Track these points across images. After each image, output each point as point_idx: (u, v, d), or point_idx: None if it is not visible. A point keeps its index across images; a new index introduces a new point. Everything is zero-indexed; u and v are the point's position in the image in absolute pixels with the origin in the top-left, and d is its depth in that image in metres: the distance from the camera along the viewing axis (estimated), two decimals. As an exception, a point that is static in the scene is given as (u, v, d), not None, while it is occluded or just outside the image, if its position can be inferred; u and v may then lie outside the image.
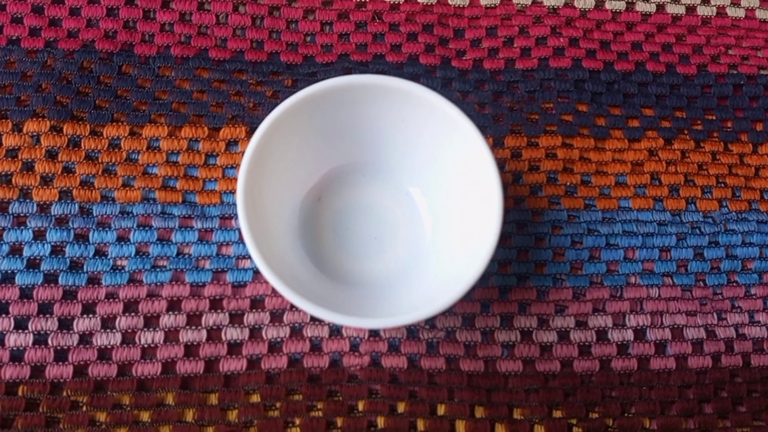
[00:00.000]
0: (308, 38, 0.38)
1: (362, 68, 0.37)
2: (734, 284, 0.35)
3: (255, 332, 0.32)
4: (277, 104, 0.30)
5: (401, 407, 0.32)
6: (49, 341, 0.31)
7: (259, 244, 0.28)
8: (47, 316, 0.32)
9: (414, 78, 0.37)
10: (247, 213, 0.28)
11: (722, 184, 0.37)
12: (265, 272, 0.27)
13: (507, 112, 0.37)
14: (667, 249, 0.35)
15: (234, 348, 0.32)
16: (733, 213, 0.36)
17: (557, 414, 0.32)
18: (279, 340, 0.32)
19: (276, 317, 0.33)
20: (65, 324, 0.32)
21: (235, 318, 0.32)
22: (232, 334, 0.32)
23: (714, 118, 0.38)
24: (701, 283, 0.35)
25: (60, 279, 0.32)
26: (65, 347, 0.31)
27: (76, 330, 0.32)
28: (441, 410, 0.32)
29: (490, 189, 0.29)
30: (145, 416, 0.31)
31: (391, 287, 0.33)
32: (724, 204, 0.37)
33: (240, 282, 0.33)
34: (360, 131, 0.33)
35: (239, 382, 0.31)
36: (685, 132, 0.38)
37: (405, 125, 0.32)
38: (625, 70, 0.39)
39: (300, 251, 0.33)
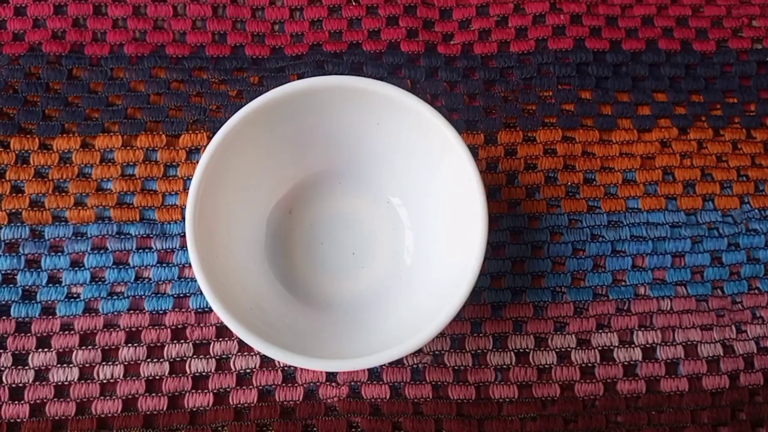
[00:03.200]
0: (276, 27, 0.34)
1: (336, 60, 0.33)
2: (755, 291, 0.32)
3: (222, 363, 0.30)
4: (242, 105, 0.26)
5: (383, 442, 0.29)
6: (3, 378, 0.29)
7: (212, 279, 0.25)
8: (0, 351, 0.29)
9: (395, 68, 0.33)
10: (197, 244, 0.25)
11: (744, 178, 0.33)
12: (219, 311, 0.24)
13: (500, 103, 0.34)
14: (681, 254, 0.32)
15: (199, 381, 0.30)
16: (756, 211, 0.33)
17: (556, 444, 0.30)
18: (248, 371, 0.30)
19: (245, 346, 0.30)
20: (20, 359, 0.30)
21: (200, 348, 0.30)
22: (197, 365, 0.30)
23: (735, 101, 0.35)
24: (718, 292, 0.32)
25: (12, 310, 0.30)
26: (20, 384, 0.29)
27: (31, 365, 0.29)
28: (427, 444, 0.29)
29: (473, 195, 0.26)
30: (106, 458, 0.29)
31: (371, 309, 0.30)
32: (746, 200, 0.33)
33: (204, 308, 0.30)
34: (332, 137, 0.30)
35: (206, 419, 0.29)
36: (703, 119, 0.34)
37: (380, 129, 0.29)
38: (634, 49, 0.35)
39: (267, 272, 0.30)
